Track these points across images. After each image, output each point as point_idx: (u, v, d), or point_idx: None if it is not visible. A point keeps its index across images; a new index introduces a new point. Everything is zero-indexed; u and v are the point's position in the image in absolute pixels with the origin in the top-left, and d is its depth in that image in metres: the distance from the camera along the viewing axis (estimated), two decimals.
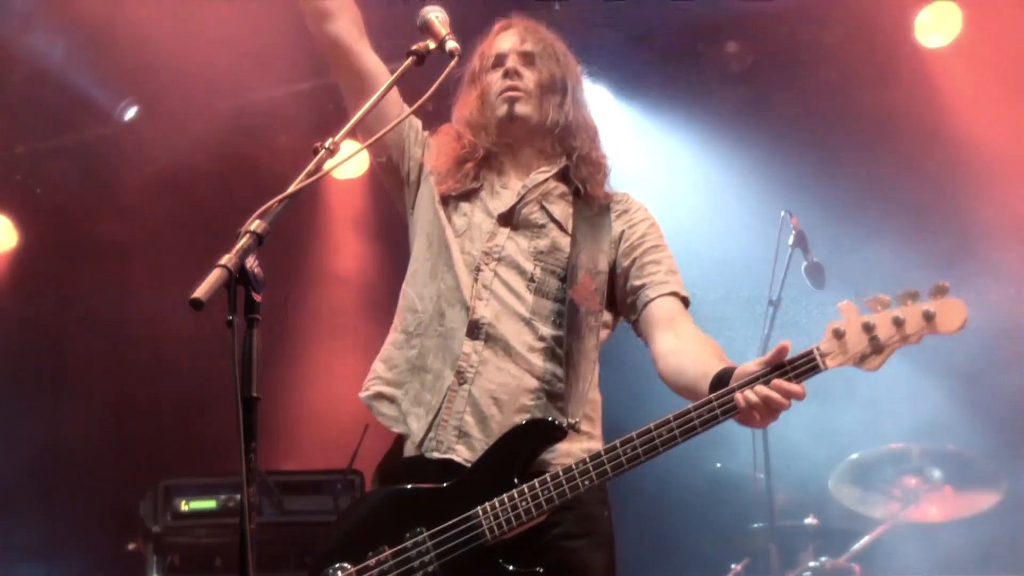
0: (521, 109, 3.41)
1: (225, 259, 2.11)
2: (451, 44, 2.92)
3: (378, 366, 3.28)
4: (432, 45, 2.94)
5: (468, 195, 3.37)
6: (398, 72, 2.87)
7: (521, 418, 3.14)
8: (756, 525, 6.02)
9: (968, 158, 6.72)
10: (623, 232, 3.41)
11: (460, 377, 3.14)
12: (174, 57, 6.38)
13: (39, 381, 7.38)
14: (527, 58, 3.45)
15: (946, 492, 6.13)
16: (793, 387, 2.89)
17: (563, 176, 3.42)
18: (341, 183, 7.39)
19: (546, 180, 3.41)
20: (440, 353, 3.18)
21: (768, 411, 2.90)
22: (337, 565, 2.99)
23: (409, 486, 3.11)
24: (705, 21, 6.77)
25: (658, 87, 6.96)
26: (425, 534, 2.97)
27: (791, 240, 5.78)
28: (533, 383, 3.15)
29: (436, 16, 2.95)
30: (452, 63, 2.97)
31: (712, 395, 2.99)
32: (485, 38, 3.57)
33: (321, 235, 7.62)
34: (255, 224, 2.26)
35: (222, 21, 6.20)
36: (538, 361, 3.17)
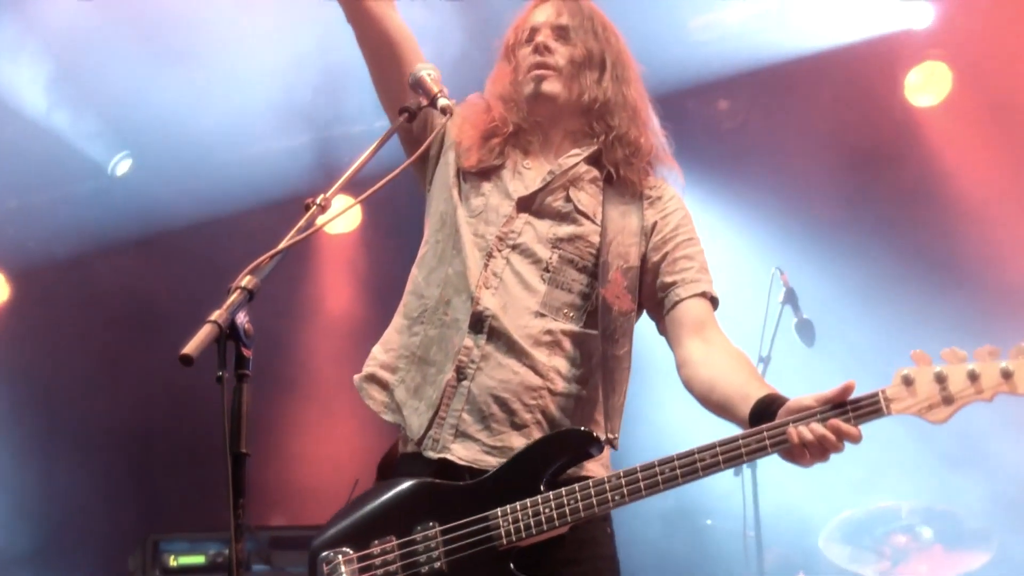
0: (549, 87, 3.21)
1: (215, 315, 2.09)
2: (443, 101, 2.86)
3: (376, 348, 3.13)
4: (424, 102, 2.89)
5: (489, 173, 3.18)
6: (389, 131, 2.85)
7: (555, 427, 2.97)
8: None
9: (958, 214, 6.74)
10: (656, 223, 3.22)
11: (460, 373, 2.97)
12: (167, 112, 6.48)
13: (31, 435, 7.35)
14: (562, 32, 3.26)
15: (936, 551, 6.08)
16: (851, 429, 2.76)
17: (596, 160, 3.22)
18: (334, 237, 7.43)
19: (576, 165, 3.20)
20: (443, 345, 3.02)
21: (820, 451, 2.77)
22: (339, 549, 2.85)
23: (428, 479, 2.95)
24: (697, 78, 6.79)
25: None
26: (437, 528, 2.82)
27: (781, 297, 5.78)
28: (536, 380, 2.97)
29: (428, 74, 2.90)
30: (445, 120, 2.91)
31: (764, 426, 2.84)
32: (523, 10, 3.39)
33: (314, 288, 7.65)
34: (246, 280, 2.24)
35: (215, 77, 6.30)
36: (542, 357, 2.98)
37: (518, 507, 2.78)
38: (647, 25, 6.07)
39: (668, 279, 3.09)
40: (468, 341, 2.95)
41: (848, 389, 2.78)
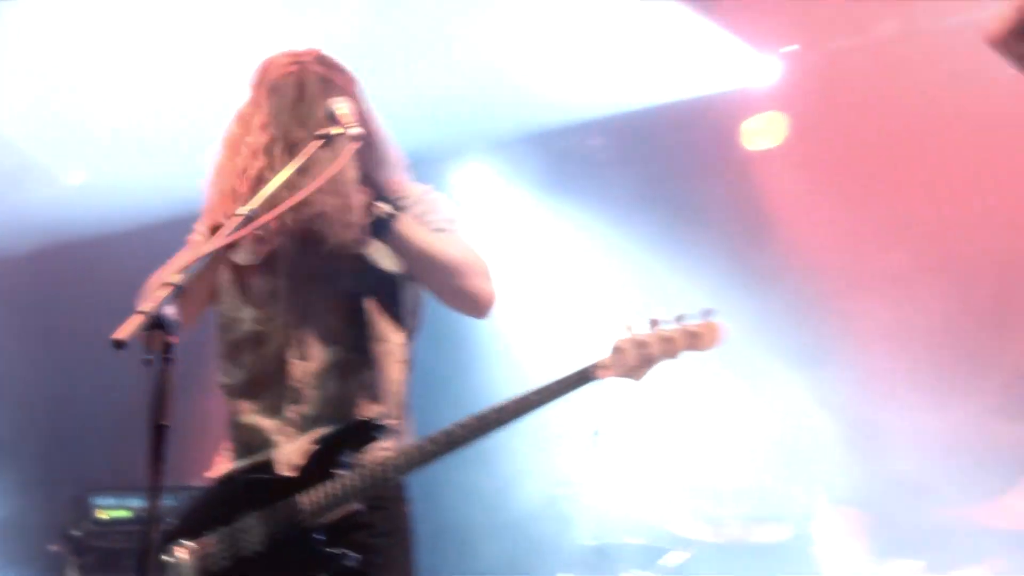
0: None
1: (145, 305, 2.14)
2: (354, 130, 2.84)
3: None
4: (338, 131, 2.86)
5: None
6: (304, 153, 2.79)
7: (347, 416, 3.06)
8: (577, 541, 6.02)
9: (793, 255, 6.85)
10: None
11: None
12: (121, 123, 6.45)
13: None
14: None
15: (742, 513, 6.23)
16: None
17: None
18: None
19: None
20: None
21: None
22: (178, 542, 2.88)
23: (251, 476, 3.03)
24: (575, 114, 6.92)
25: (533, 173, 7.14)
26: (253, 516, 2.87)
27: None
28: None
29: (340, 108, 2.88)
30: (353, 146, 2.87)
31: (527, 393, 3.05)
32: None
33: None
34: (174, 276, 2.27)
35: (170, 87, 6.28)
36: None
37: (317, 488, 2.85)
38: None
39: None
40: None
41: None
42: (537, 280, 7.02)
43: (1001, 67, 5.36)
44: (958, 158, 6.34)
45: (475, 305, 3.07)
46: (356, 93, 3.07)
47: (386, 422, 3.06)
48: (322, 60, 3.10)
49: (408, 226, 2.99)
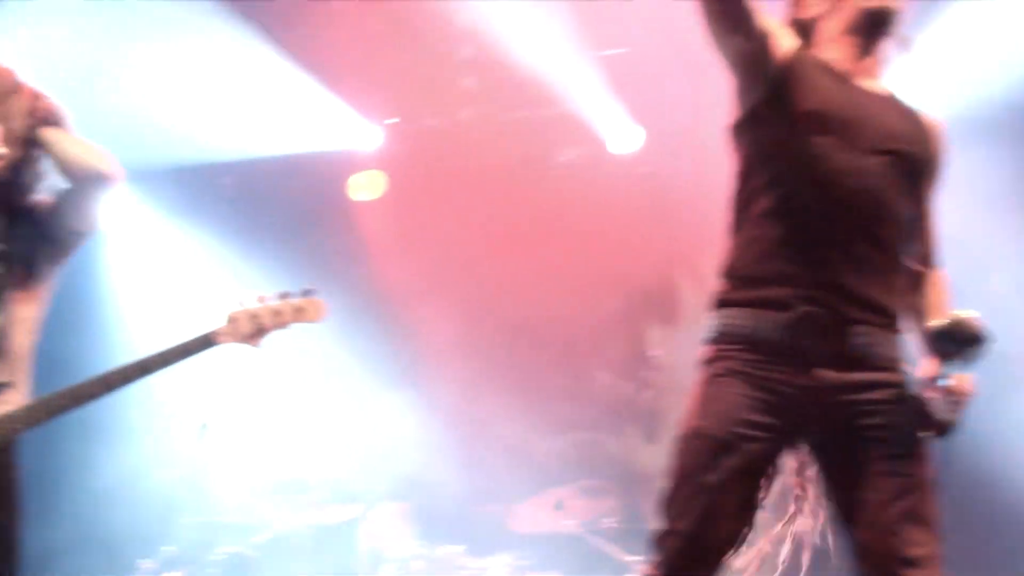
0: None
1: None
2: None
3: None
4: None
5: None
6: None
7: None
8: (182, 519, 6.24)
9: (386, 285, 7.42)
10: None
11: None
12: None
13: None
14: None
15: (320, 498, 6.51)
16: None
17: None
18: None
19: None
20: None
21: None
22: None
23: None
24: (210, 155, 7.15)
25: None
26: None
27: None
28: None
29: None
30: None
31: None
32: None
33: None
34: None
35: None
36: None
37: None
38: None
39: None
40: None
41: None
42: (166, 288, 7.15)
43: (544, 155, 6.11)
44: (517, 218, 7.23)
45: (105, 180, 3.15)
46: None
47: (5, 379, 3.04)
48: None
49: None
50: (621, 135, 7.29)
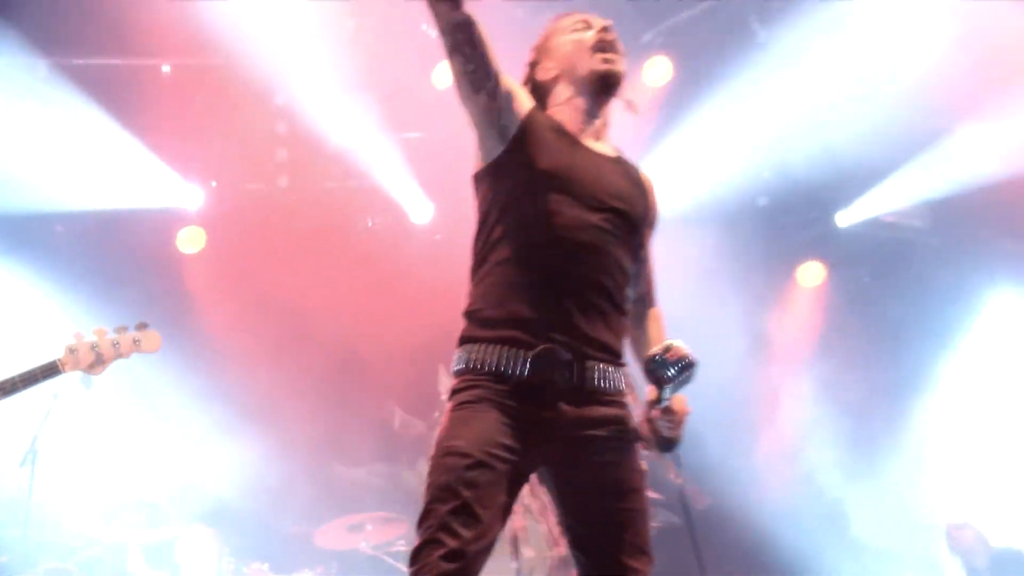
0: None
1: None
2: None
3: None
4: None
5: None
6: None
7: None
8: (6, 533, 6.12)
9: (208, 329, 7.63)
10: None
11: None
12: None
13: None
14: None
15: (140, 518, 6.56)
16: None
17: None
18: None
19: None
20: None
21: None
22: None
23: None
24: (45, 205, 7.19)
25: None
26: None
27: None
28: None
29: None
30: None
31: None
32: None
33: None
34: None
35: None
36: None
37: None
38: None
39: None
40: None
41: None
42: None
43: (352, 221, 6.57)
44: (327, 275, 7.72)
45: None
46: None
47: None
48: None
49: None
50: (417, 206, 7.97)
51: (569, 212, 2.76)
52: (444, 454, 2.67)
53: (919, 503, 7.77)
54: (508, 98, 2.81)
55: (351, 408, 7.94)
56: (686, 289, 6.86)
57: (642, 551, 2.77)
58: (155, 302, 7.47)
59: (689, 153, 7.45)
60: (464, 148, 7.19)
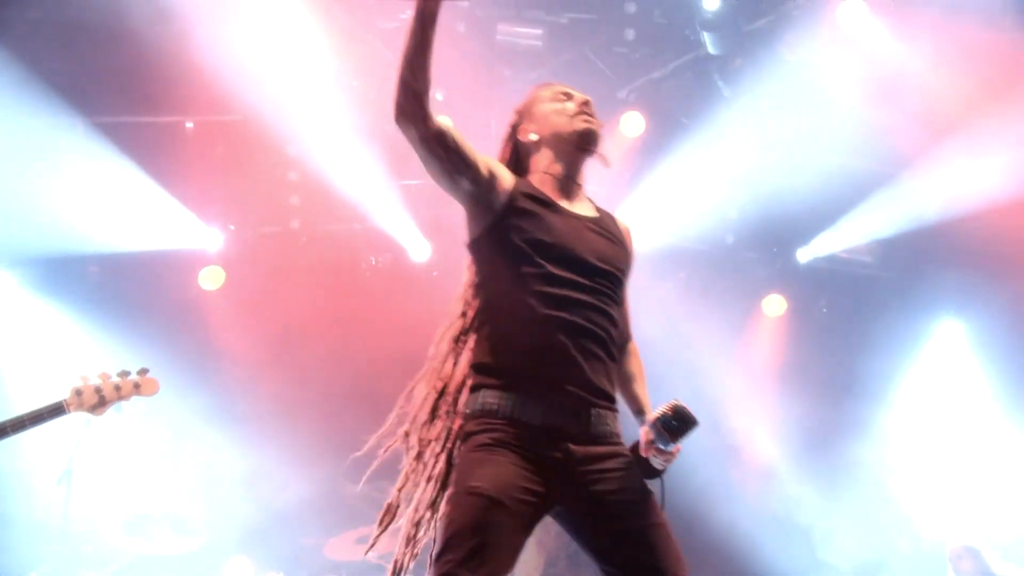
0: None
1: None
2: None
3: None
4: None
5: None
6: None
7: None
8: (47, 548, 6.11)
9: (227, 359, 7.67)
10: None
11: None
12: None
13: None
14: None
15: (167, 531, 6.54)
16: None
17: None
18: None
19: None
20: None
21: None
22: None
23: None
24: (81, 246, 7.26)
25: None
26: None
27: None
28: None
29: None
30: None
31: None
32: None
33: None
34: None
35: None
36: None
37: None
38: None
39: None
40: None
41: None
42: (34, 361, 7.11)
43: (357, 259, 6.69)
44: (335, 308, 7.85)
45: None
46: None
47: None
48: None
49: None
50: (416, 246, 8.18)
51: (564, 275, 2.81)
52: (466, 493, 2.67)
53: (882, 524, 7.90)
54: (491, 178, 2.84)
55: (360, 431, 7.80)
56: (661, 319, 7.20)
57: (678, 558, 2.80)
58: (178, 333, 7.60)
59: (662, 196, 7.75)
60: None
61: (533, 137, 3.02)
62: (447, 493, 2.76)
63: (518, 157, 3.07)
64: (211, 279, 7.82)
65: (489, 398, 2.77)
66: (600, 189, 7.52)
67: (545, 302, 2.78)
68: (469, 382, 2.88)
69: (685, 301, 7.86)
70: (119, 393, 3.31)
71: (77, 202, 6.99)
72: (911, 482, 8.03)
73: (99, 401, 3.28)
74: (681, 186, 7.62)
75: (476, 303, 2.94)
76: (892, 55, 6.59)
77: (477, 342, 2.89)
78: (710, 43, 6.78)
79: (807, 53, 6.68)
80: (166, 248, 7.61)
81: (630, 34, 6.93)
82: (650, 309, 6.80)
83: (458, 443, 2.86)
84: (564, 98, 3.05)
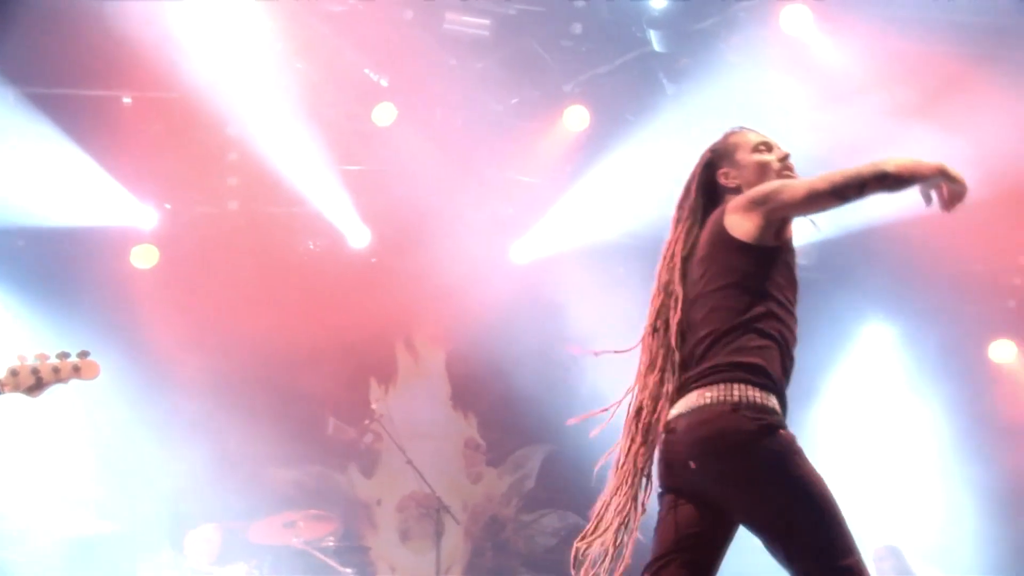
0: None
1: None
2: None
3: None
4: None
5: None
6: None
7: None
8: None
9: (157, 340, 7.70)
10: None
11: None
12: None
13: None
14: None
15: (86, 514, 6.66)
16: None
17: None
18: None
19: None
20: None
21: None
22: None
23: None
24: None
25: None
26: None
27: None
28: None
29: None
30: None
31: None
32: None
33: None
34: None
35: None
36: None
37: None
38: None
39: None
40: None
41: None
42: None
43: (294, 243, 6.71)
44: (270, 291, 7.89)
45: None
46: None
47: None
48: None
49: None
50: (355, 232, 8.20)
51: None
52: (824, 485, 3.03)
53: None
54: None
55: (289, 415, 8.10)
56: (603, 313, 7.26)
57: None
58: (108, 312, 7.60)
59: (604, 192, 7.85)
60: (398, 181, 7.69)
61: (734, 183, 3.23)
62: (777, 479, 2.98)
63: (708, 194, 3.30)
64: (144, 257, 7.78)
65: (771, 402, 3.02)
66: (542, 182, 7.89)
67: (791, 323, 3.12)
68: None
69: (623, 296, 7.93)
70: (57, 375, 3.23)
71: (4, 173, 6.93)
72: (835, 483, 8.20)
73: (36, 383, 3.20)
74: (623, 182, 7.70)
75: (739, 304, 3.08)
76: (833, 61, 6.76)
77: (745, 340, 3.06)
78: (656, 41, 6.88)
79: (751, 55, 6.81)
80: (98, 224, 7.53)
81: (577, 28, 7.00)
82: (587, 302, 6.94)
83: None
84: (765, 149, 3.24)
